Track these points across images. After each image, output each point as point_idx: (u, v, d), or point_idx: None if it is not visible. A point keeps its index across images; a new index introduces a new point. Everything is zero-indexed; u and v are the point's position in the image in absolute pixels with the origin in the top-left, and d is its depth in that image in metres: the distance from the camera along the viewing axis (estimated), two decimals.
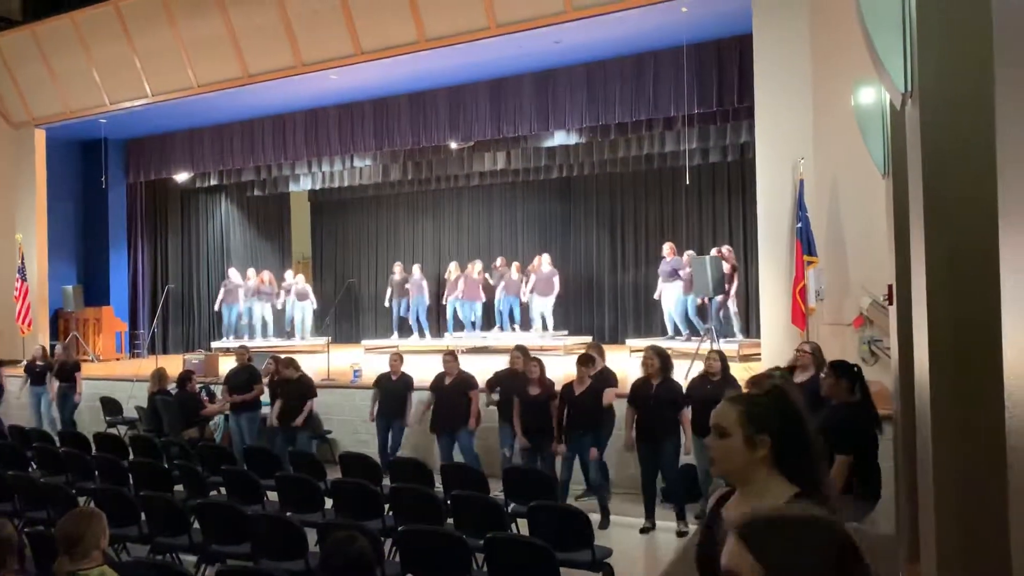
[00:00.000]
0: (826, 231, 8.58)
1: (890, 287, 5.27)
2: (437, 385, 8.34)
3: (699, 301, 11.70)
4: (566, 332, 13.91)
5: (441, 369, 8.39)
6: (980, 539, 3.32)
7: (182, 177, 15.50)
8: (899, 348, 5.20)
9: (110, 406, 11.13)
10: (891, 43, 2.90)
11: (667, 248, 12.45)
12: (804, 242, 8.58)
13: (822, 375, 6.66)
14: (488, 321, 14.34)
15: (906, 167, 3.86)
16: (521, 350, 8.21)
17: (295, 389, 8.85)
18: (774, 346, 8.99)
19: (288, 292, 15.25)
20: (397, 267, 14.95)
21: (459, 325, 14.23)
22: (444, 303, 14.54)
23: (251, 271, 15.47)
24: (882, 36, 2.96)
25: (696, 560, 2.16)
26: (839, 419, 4.87)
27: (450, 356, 8.45)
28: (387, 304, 14.90)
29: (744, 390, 4.42)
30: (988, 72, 1.85)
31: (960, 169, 3.07)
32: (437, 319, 15.38)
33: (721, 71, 10.53)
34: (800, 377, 6.58)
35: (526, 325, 13.89)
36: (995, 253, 1.85)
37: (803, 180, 8.60)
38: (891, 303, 5.29)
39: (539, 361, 7.80)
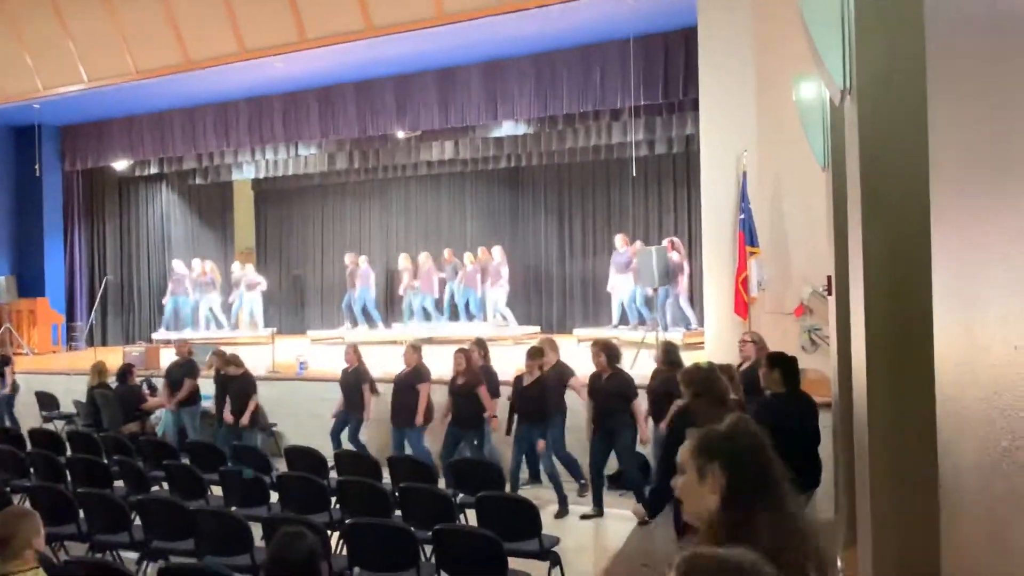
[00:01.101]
0: (768, 222, 8.74)
1: (829, 278, 5.39)
2: (395, 377, 8.35)
3: (649, 292, 11.82)
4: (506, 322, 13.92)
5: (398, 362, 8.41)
6: (914, 526, 3.43)
7: (121, 165, 15.09)
8: (838, 339, 5.33)
9: (46, 401, 10.82)
10: (830, 40, 2.96)
11: (620, 239, 12.56)
12: (747, 233, 8.73)
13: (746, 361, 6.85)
14: (440, 312, 14.28)
15: (845, 161, 3.95)
16: (478, 343, 8.29)
17: (239, 386, 8.70)
18: (717, 335, 9.15)
19: (238, 284, 15.00)
20: (348, 258, 14.79)
21: (414, 316, 14.15)
22: (401, 294, 14.41)
23: (195, 261, 15.15)
24: (821, 33, 3.02)
25: None
26: (764, 409, 5.05)
27: (411, 348, 8.43)
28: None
29: (680, 382, 4.49)
30: (924, 70, 1.90)
31: (897, 165, 3.15)
32: (387, 310, 15.28)
33: (667, 63, 10.63)
34: (743, 366, 6.73)
35: (484, 316, 13.87)
36: (929, 247, 1.91)
37: (746, 172, 8.74)
38: (830, 294, 5.42)
39: (466, 352, 7.85)
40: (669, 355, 7.24)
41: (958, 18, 1.59)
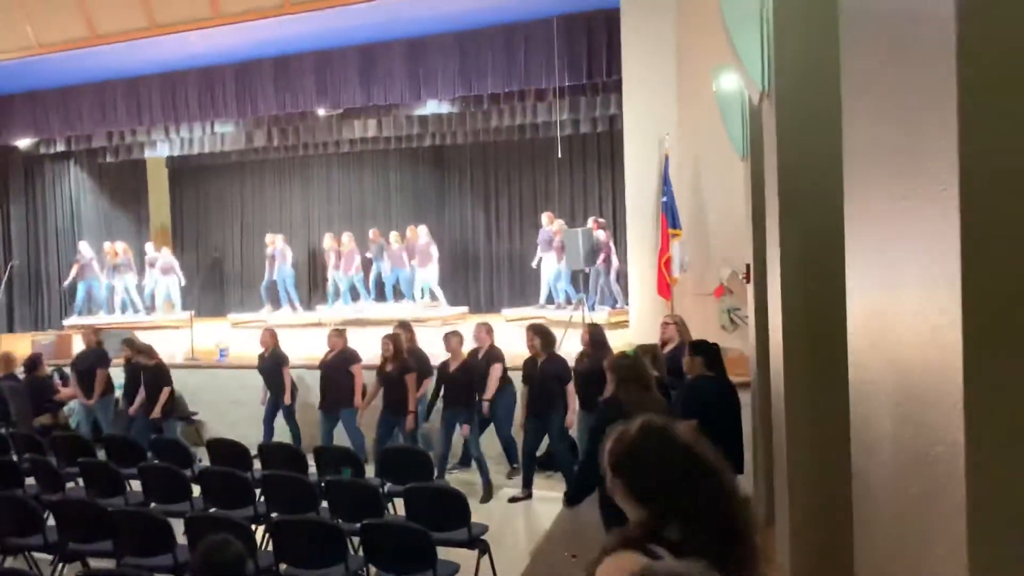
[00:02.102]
0: (690, 205, 8.90)
1: (748, 266, 5.53)
2: (321, 362, 8.20)
3: (583, 271, 11.90)
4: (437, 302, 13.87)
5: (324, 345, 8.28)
6: (830, 506, 3.57)
7: (24, 143, 14.35)
8: (756, 322, 5.49)
9: None
10: (750, 43, 3.00)
11: (546, 217, 12.61)
12: (669, 215, 8.87)
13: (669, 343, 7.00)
14: (368, 293, 14.11)
15: (763, 152, 4.04)
16: (403, 325, 8.23)
17: (151, 377, 8.41)
18: (641, 314, 9.31)
19: (152, 265, 14.51)
20: (267, 238, 14.44)
21: (340, 297, 13.95)
22: (326, 276, 14.16)
23: (106, 243, 14.58)
24: (741, 34, 3.06)
25: None
26: (690, 392, 5.20)
27: (335, 332, 8.31)
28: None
29: (606, 369, 4.56)
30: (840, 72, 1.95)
31: (813, 163, 3.24)
32: (310, 291, 15.03)
33: (591, 43, 10.63)
34: (666, 348, 6.86)
35: (397, 296, 13.78)
36: (843, 240, 1.97)
37: (668, 155, 8.86)
38: (748, 281, 5.55)
39: (393, 337, 7.80)
40: (595, 337, 7.34)
41: (868, 16, 1.62)
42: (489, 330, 7.84)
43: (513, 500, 7.18)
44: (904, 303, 1.27)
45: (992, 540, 1.03)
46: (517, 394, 7.55)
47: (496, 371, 7.45)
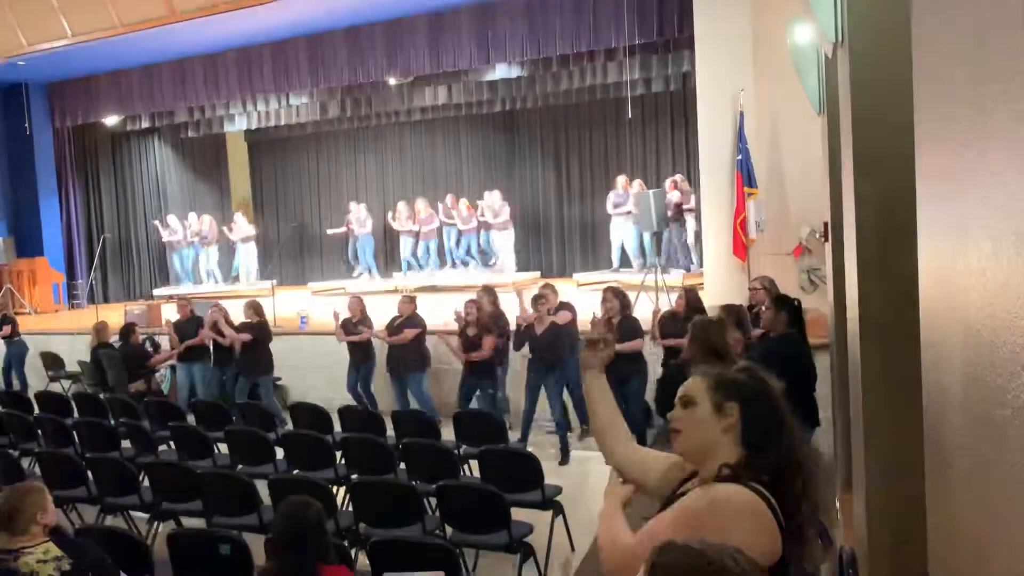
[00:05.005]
0: (766, 163, 8.66)
1: (826, 224, 5.37)
2: (390, 327, 8.35)
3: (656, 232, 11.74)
4: (514, 268, 13.89)
5: (395, 312, 8.42)
6: (905, 469, 3.47)
7: (111, 120, 14.90)
8: (834, 282, 5.33)
9: (50, 361, 10.91)
10: None
11: (621, 181, 12.46)
12: (744, 174, 8.65)
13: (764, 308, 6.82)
14: (442, 260, 14.25)
15: (839, 106, 3.89)
16: (486, 290, 8.28)
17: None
18: (716, 277, 9.14)
19: (235, 237, 14.97)
20: (349, 207, 14.70)
21: (422, 263, 14.14)
22: (401, 243, 14.35)
23: (192, 216, 15.09)
24: None
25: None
26: (770, 351, 5.06)
27: (406, 299, 8.45)
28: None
29: (689, 333, 4.47)
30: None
31: (888, 116, 3.11)
32: (386, 259, 15.25)
33: (661, 0, 10.39)
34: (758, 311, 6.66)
35: (485, 262, 13.82)
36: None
37: (743, 112, 8.62)
38: (827, 240, 5.40)
39: (476, 302, 7.86)
40: (692, 301, 7.23)
41: None
42: (554, 290, 7.90)
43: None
44: (971, 260, 1.21)
45: None
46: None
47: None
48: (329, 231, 15.10)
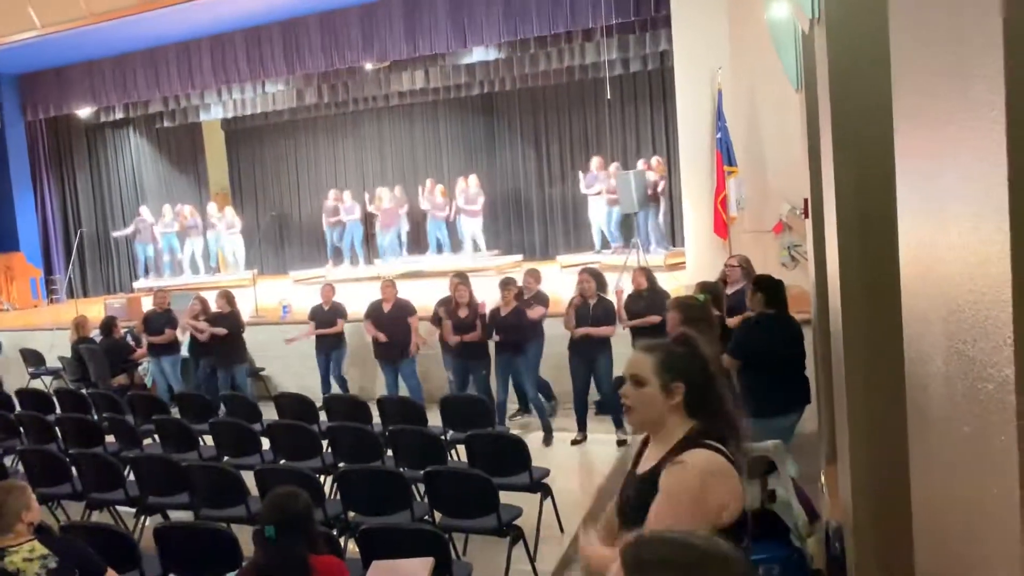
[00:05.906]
0: (745, 141, 8.67)
1: (806, 201, 5.38)
2: (374, 313, 8.29)
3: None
4: (497, 252, 13.88)
5: (377, 296, 8.37)
6: (888, 440, 3.51)
7: (85, 112, 14.70)
8: (815, 258, 5.35)
9: (31, 357, 10.79)
10: None
11: (595, 162, 12.47)
12: (724, 152, 8.67)
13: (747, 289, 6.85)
14: (420, 245, 14.22)
15: (817, 85, 3.89)
16: (459, 276, 8.25)
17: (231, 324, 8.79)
18: (698, 255, 9.18)
19: (214, 227, 14.84)
20: (332, 194, 14.61)
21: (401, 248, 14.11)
22: (380, 229, 14.29)
23: (166, 207, 14.93)
24: None
25: (616, 506, 2.22)
26: (752, 330, 5.12)
27: (387, 284, 8.42)
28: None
29: (671, 309, 4.48)
30: None
31: (865, 92, 3.11)
32: (367, 246, 15.18)
33: None
34: (730, 289, 6.75)
35: (456, 248, 13.82)
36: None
37: (721, 90, 8.62)
38: (807, 216, 5.41)
39: (467, 284, 7.84)
40: (650, 279, 7.28)
41: None
42: (537, 278, 7.90)
43: (575, 443, 7.24)
44: (951, 235, 1.21)
45: None
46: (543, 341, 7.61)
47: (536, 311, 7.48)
48: (327, 221, 14.84)
